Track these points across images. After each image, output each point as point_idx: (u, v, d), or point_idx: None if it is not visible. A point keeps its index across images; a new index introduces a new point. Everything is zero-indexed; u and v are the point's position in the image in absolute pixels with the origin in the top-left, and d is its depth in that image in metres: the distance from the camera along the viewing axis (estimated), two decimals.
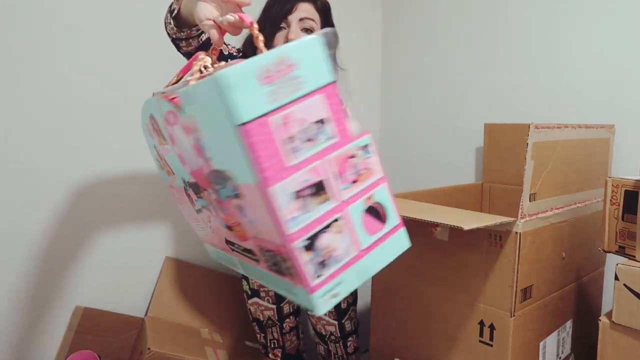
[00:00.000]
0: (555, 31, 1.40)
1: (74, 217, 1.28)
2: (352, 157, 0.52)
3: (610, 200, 0.91)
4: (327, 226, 0.51)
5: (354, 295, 1.31)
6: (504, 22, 1.52)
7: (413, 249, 1.09)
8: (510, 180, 1.45)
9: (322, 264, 0.51)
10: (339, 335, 1.29)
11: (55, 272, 1.27)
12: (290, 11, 1.06)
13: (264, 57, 0.47)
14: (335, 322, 1.28)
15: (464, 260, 0.99)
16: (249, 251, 0.60)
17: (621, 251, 0.90)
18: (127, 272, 1.38)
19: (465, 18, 1.62)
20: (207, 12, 0.65)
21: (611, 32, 1.28)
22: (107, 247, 1.34)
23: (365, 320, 1.44)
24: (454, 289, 1.02)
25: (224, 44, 1.09)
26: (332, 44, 0.53)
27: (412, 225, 1.05)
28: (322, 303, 0.51)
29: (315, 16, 1.09)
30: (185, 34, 0.90)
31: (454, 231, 0.99)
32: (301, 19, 1.07)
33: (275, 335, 1.32)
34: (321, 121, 0.50)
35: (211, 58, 0.63)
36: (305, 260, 0.50)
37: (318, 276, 0.51)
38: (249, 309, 1.32)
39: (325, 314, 1.27)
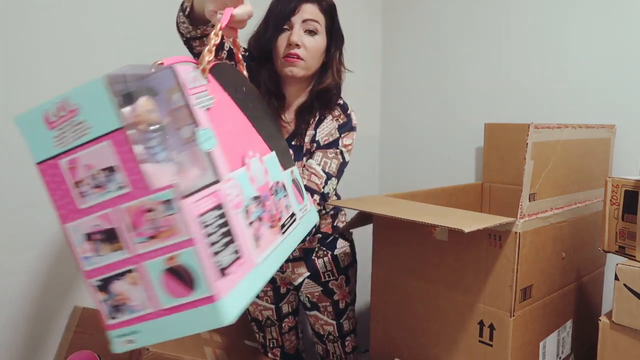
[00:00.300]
0: (555, 31, 1.40)
1: None
2: (150, 210, 0.48)
3: (610, 200, 0.90)
4: (122, 274, 0.50)
5: (352, 294, 1.30)
6: (504, 22, 1.52)
7: (413, 249, 1.10)
8: (510, 180, 1.45)
9: (117, 308, 0.51)
10: (337, 334, 1.29)
11: (54, 273, 1.27)
12: (293, 12, 1.05)
13: (48, 103, 0.48)
14: (334, 322, 1.27)
15: (463, 261, 0.99)
16: None
17: (621, 251, 0.90)
18: None
19: (465, 18, 1.62)
20: (217, 4, 0.67)
21: (611, 32, 1.28)
22: None
23: (365, 320, 1.44)
24: (454, 289, 1.01)
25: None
26: (133, 86, 0.47)
27: (412, 226, 1.05)
28: (118, 343, 0.52)
29: (320, 18, 1.07)
30: (200, 32, 0.89)
31: (454, 231, 0.98)
32: (304, 21, 1.05)
33: (274, 334, 1.32)
34: (111, 169, 0.48)
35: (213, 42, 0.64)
36: (99, 299, 0.51)
37: (112, 317, 0.51)
38: (247, 309, 1.32)
39: (324, 314, 1.27)
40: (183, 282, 0.49)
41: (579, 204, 1.09)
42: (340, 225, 1.27)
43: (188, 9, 0.84)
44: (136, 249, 0.49)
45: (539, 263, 0.97)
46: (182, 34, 0.92)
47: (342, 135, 1.12)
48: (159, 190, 0.47)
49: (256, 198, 0.63)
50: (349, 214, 1.24)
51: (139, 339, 0.51)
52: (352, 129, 1.14)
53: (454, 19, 1.65)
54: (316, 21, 1.06)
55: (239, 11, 0.67)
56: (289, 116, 1.15)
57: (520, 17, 1.47)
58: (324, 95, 1.13)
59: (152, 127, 0.49)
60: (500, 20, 1.53)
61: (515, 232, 0.90)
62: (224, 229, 0.53)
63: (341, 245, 1.26)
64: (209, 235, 0.50)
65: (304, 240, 0.95)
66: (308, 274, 1.23)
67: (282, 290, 1.28)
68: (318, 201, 1.07)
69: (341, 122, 1.13)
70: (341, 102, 1.15)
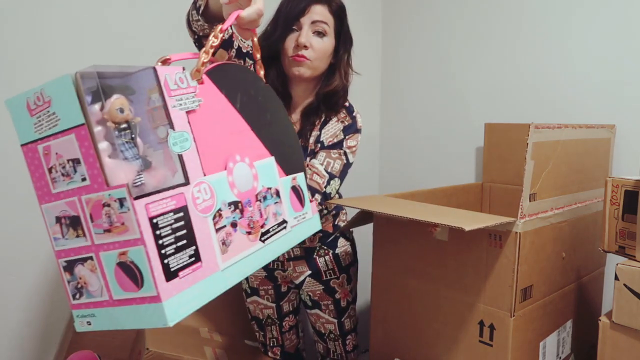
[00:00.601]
0: (555, 31, 1.40)
1: None
2: (106, 205, 0.50)
3: (611, 200, 0.91)
4: (84, 260, 0.53)
5: (353, 293, 1.31)
6: (504, 22, 1.52)
7: (413, 248, 1.10)
8: (510, 180, 1.45)
9: (79, 290, 0.54)
10: (338, 333, 1.29)
11: (54, 272, 1.27)
12: (302, 13, 1.04)
13: (30, 91, 0.52)
14: (335, 321, 1.27)
15: (463, 260, 0.99)
16: None
17: (621, 251, 0.90)
18: None
19: (465, 18, 1.62)
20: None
21: (612, 32, 1.28)
22: None
23: (365, 320, 1.44)
24: (454, 289, 1.01)
25: (242, 41, 1.08)
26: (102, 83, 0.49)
27: (412, 226, 1.05)
28: (79, 323, 0.55)
29: (329, 19, 1.07)
30: None
31: (454, 231, 0.99)
32: (314, 22, 1.05)
33: (275, 333, 1.32)
34: (77, 160, 0.50)
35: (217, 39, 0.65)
36: (66, 278, 0.55)
37: (75, 298, 0.54)
38: (248, 308, 1.32)
39: (325, 312, 1.27)
40: (132, 278, 0.50)
41: (579, 204, 1.09)
42: (341, 224, 1.28)
43: (202, 7, 0.83)
44: (94, 239, 0.52)
45: (539, 263, 0.97)
46: (194, 32, 0.91)
47: (347, 137, 1.12)
48: (114, 187, 0.49)
49: (234, 203, 0.63)
50: (350, 213, 1.25)
51: (94, 322, 0.54)
52: (357, 131, 1.14)
53: (454, 20, 1.65)
54: (325, 23, 1.06)
55: (248, 12, 0.66)
56: (294, 116, 1.15)
57: (520, 17, 1.47)
58: (331, 97, 1.12)
59: (122, 125, 0.50)
60: (500, 20, 1.53)
61: (516, 232, 0.90)
62: (181, 232, 0.54)
63: (342, 244, 1.26)
64: (162, 237, 0.51)
65: (303, 242, 0.95)
66: (309, 272, 1.23)
67: (283, 288, 1.28)
68: (319, 201, 1.07)
69: (346, 123, 1.13)
70: (347, 104, 1.15)
